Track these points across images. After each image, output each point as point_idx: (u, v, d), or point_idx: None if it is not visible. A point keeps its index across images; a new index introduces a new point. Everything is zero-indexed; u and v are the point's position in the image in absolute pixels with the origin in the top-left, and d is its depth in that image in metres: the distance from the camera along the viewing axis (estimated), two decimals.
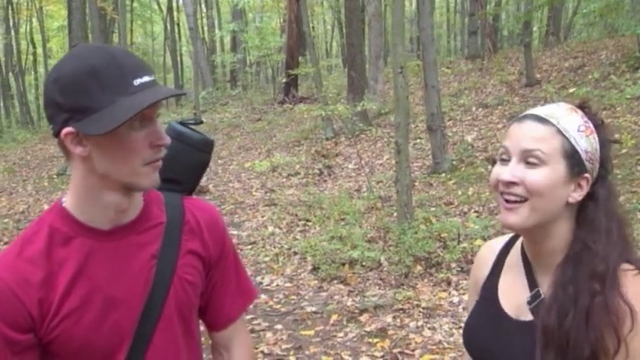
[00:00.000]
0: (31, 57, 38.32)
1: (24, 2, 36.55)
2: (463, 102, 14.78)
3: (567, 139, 1.48)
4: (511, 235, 1.76)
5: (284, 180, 12.79)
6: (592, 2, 19.28)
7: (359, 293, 6.34)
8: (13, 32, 35.21)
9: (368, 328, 5.57)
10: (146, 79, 1.44)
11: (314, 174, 12.64)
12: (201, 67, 28.43)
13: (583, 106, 1.56)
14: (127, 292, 1.55)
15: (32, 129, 29.45)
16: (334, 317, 5.90)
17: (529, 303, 1.57)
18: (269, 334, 5.71)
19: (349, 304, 6.11)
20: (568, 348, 1.44)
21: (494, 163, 1.59)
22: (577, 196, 1.50)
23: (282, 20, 30.34)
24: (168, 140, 1.51)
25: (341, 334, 5.56)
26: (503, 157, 1.53)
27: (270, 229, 9.17)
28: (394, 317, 5.73)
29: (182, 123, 1.82)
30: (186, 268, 1.64)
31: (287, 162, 13.68)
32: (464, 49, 27.63)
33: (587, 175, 1.50)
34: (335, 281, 6.77)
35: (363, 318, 5.77)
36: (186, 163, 1.78)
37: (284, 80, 23.14)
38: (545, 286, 1.55)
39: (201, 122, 1.93)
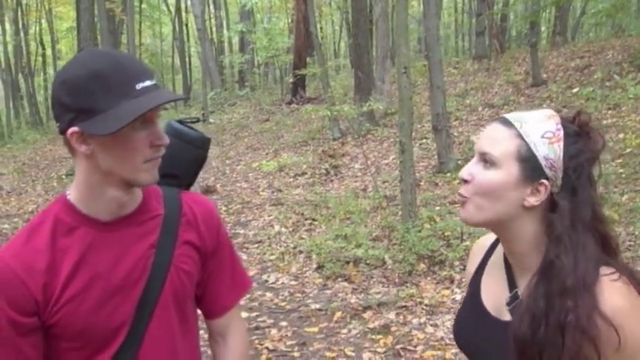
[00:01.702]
0: (40, 58, 38.51)
1: (33, 4, 36.76)
2: (469, 102, 14.82)
3: (526, 144, 1.51)
4: None
5: (291, 180, 12.88)
6: (600, 2, 19.34)
7: (363, 291, 6.42)
8: (22, 34, 35.41)
9: (371, 325, 5.64)
10: (148, 83, 1.55)
11: (320, 174, 12.71)
12: (210, 67, 28.51)
13: (575, 117, 1.57)
14: (126, 280, 1.65)
15: (41, 130, 29.57)
16: (338, 314, 5.97)
17: (508, 304, 1.61)
18: (274, 331, 5.79)
19: (353, 301, 6.19)
20: (544, 358, 1.45)
21: None
22: (533, 200, 1.52)
23: (290, 21, 30.46)
24: (167, 140, 1.61)
25: (344, 331, 5.64)
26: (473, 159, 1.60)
27: (277, 228, 9.25)
28: (397, 314, 5.81)
29: (180, 121, 1.92)
30: (182, 257, 1.74)
31: (294, 162, 13.75)
32: (471, 49, 27.62)
33: (545, 181, 1.51)
34: (339, 279, 6.85)
35: (367, 315, 5.85)
36: (184, 160, 1.88)
37: (291, 81, 23.22)
38: (522, 287, 1.58)
39: (199, 120, 2.02)
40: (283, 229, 9.14)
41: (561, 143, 1.51)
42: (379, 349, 5.20)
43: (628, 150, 9.16)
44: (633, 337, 1.41)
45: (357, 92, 16.35)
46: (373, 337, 5.42)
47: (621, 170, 8.57)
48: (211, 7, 37.78)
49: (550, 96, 13.45)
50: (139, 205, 1.71)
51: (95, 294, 1.61)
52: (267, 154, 16.20)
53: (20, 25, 35.10)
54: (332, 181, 12.11)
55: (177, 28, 36.26)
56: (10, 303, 1.54)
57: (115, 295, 1.63)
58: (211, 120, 23.86)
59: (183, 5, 35.68)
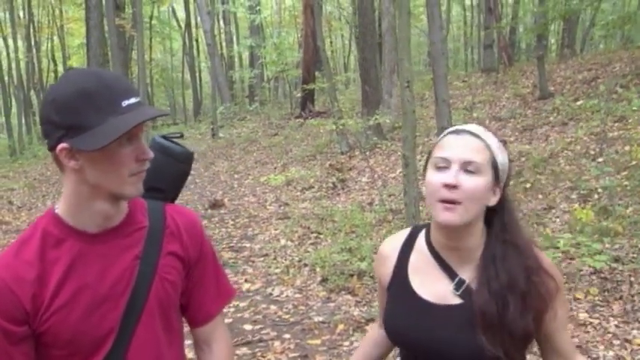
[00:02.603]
0: (52, 74, 38.86)
1: (45, 21, 37.10)
2: (476, 115, 14.85)
3: (492, 153, 1.78)
4: (407, 232, 2.02)
5: (298, 194, 12.94)
6: (608, 14, 19.35)
7: (366, 304, 6.45)
8: (34, 50, 35.77)
9: None
10: (133, 100, 1.63)
11: (327, 187, 12.76)
12: (219, 82, 28.68)
13: (486, 127, 1.90)
14: (112, 290, 1.71)
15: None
16: (341, 327, 6.00)
17: (456, 289, 1.83)
18: (277, 343, 5.82)
19: (356, 314, 6.22)
20: (509, 326, 1.73)
21: None
22: (494, 200, 1.81)
23: (299, 35, 30.59)
24: (151, 155, 1.69)
25: (347, 343, 5.67)
26: (441, 165, 1.77)
27: (282, 241, 9.30)
28: None
29: (164, 137, 1.98)
30: (166, 268, 1.80)
31: (302, 176, 13.82)
32: (480, 62, 27.64)
33: (501, 184, 1.82)
34: (343, 292, 6.88)
35: (369, 327, 5.87)
36: (168, 174, 1.96)
37: (300, 95, 23.32)
38: (464, 275, 1.83)
39: (182, 136, 2.08)
40: (289, 243, 9.19)
41: (506, 151, 1.83)
42: None
43: (633, 162, 9.16)
44: (560, 282, 1.83)
45: (365, 106, 16.42)
46: None
47: (626, 183, 8.56)
48: (221, 22, 38.00)
49: (556, 108, 13.46)
50: (124, 218, 1.77)
51: (83, 303, 1.67)
52: (275, 168, 16.29)
53: (32, 42, 35.49)
54: (339, 194, 12.15)
55: (187, 44, 36.58)
56: (1, 312, 1.61)
57: (102, 304, 1.70)
58: (221, 134, 24.00)
59: (193, 21, 35.94)
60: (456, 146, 1.77)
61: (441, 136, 1.86)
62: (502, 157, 1.80)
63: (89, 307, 1.68)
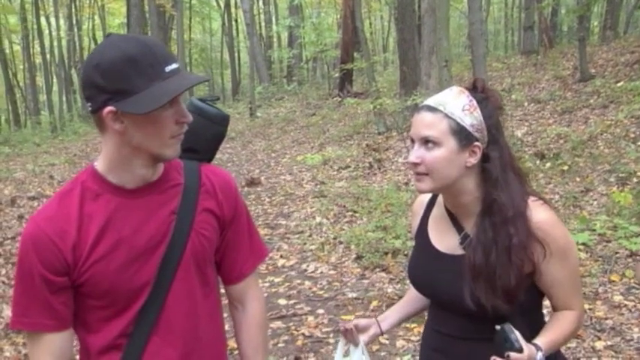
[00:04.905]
0: None
1: (87, 0, 37.47)
2: (515, 97, 14.70)
3: (454, 120, 1.90)
4: None
5: (334, 173, 12.97)
6: None
7: (400, 281, 6.48)
8: (76, 29, 36.20)
9: None
10: (174, 66, 1.70)
11: (364, 167, 12.77)
12: (258, 62, 28.76)
13: (475, 85, 1.99)
14: (148, 243, 1.78)
15: (92, 122, 30.08)
16: (374, 303, 6.05)
17: (461, 242, 2.01)
18: (311, 318, 5.90)
19: (389, 291, 6.26)
20: (495, 278, 1.88)
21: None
22: (473, 160, 1.93)
23: (338, 16, 30.50)
24: (190, 118, 1.76)
25: None
26: (411, 144, 1.98)
27: (318, 219, 9.35)
28: None
29: (201, 99, 2.04)
30: (202, 224, 1.86)
31: (338, 155, 13.85)
32: (520, 44, 27.31)
33: (477, 143, 1.92)
34: (377, 269, 6.91)
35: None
36: (204, 135, 2.01)
37: (337, 75, 23.29)
38: (469, 228, 2.01)
39: (219, 99, 2.14)
40: (324, 221, 9.24)
41: (478, 110, 1.93)
42: (413, 338, 5.26)
43: None
44: (556, 243, 1.90)
45: (402, 87, 16.36)
46: (407, 325, 5.46)
47: None
48: (260, 2, 38.06)
49: (596, 90, 13.28)
50: (160, 175, 1.84)
51: (120, 256, 1.75)
52: (312, 147, 16.34)
53: (74, 21, 35.90)
54: (375, 174, 12.16)
55: (226, 24, 36.62)
56: (44, 263, 1.70)
57: (138, 257, 1.77)
58: (258, 114, 24.09)
59: (232, 1, 35.99)
60: (415, 124, 1.96)
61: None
62: (470, 119, 1.91)
63: (126, 260, 1.75)
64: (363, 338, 2.29)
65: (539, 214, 1.92)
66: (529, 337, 1.86)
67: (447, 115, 1.90)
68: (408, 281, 6.34)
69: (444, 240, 2.07)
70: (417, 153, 1.92)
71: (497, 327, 1.83)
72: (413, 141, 1.95)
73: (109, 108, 1.64)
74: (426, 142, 1.90)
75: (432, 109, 1.93)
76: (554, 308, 2.02)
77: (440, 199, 2.13)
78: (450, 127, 1.89)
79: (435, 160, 1.89)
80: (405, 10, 16.84)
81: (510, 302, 1.89)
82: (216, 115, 2.04)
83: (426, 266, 2.11)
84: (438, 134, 1.89)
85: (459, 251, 2.00)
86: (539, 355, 1.82)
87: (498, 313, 1.87)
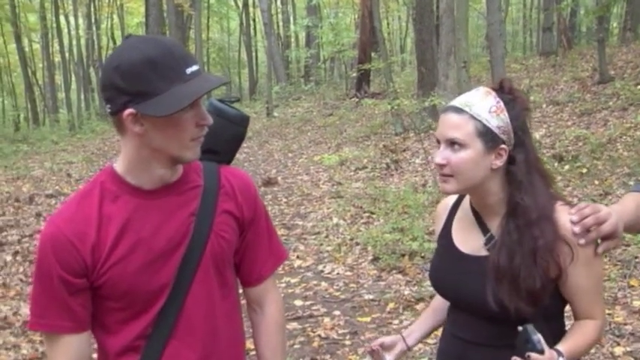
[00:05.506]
0: (110, 52, 39.30)
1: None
2: (533, 99, 14.59)
3: (480, 122, 1.88)
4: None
5: (351, 173, 12.95)
6: None
7: (417, 283, 6.46)
8: (94, 28, 36.41)
9: None
10: (195, 67, 1.69)
11: (381, 168, 12.75)
12: (275, 62, 28.78)
13: (501, 86, 1.96)
14: (167, 245, 1.77)
15: (110, 121, 30.23)
16: (391, 305, 6.03)
17: (486, 244, 1.99)
18: (327, 319, 5.89)
19: (406, 293, 6.24)
20: (519, 281, 1.86)
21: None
22: (499, 162, 1.91)
23: (356, 17, 30.47)
24: (211, 120, 1.75)
25: (396, 321, 5.70)
26: (436, 143, 1.96)
27: (335, 220, 9.34)
28: None
29: (221, 100, 2.03)
30: (222, 226, 1.85)
31: (355, 156, 13.82)
32: (539, 45, 27.16)
33: (503, 145, 1.90)
34: (394, 271, 6.90)
35: (419, 307, 5.88)
36: (224, 136, 2.00)
37: (354, 75, 23.26)
38: (494, 229, 1.99)
39: (238, 100, 2.13)
40: (341, 222, 9.22)
41: (505, 112, 1.90)
42: (429, 340, 5.22)
43: None
44: (583, 249, 1.85)
45: (420, 88, 16.31)
46: None
47: None
48: (278, 2, 38.05)
49: (615, 92, 13.18)
50: (179, 177, 1.83)
51: (139, 258, 1.74)
52: (329, 147, 16.33)
53: (93, 20, 36.11)
54: (392, 175, 12.13)
55: (244, 23, 36.67)
56: (62, 264, 1.69)
57: (157, 259, 1.76)
58: (275, 114, 24.11)
59: (250, 0, 36.04)
60: (441, 125, 1.94)
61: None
62: (496, 121, 1.89)
63: (145, 262, 1.74)
64: (389, 358, 2.25)
65: (566, 218, 1.88)
66: (551, 343, 1.84)
67: (473, 117, 1.88)
68: (425, 283, 6.35)
69: (469, 241, 2.05)
70: (443, 154, 1.91)
71: (520, 327, 1.81)
72: (439, 141, 1.93)
73: (129, 110, 1.63)
74: (452, 143, 1.89)
75: (458, 110, 1.91)
76: (576, 316, 1.99)
77: (465, 200, 2.13)
78: (476, 129, 1.87)
79: (460, 162, 1.88)
80: (423, 10, 16.78)
81: (534, 305, 1.87)
82: (235, 115, 2.03)
83: (449, 268, 2.09)
84: (464, 136, 1.87)
85: (484, 252, 1.99)
86: None
87: (521, 315, 1.85)
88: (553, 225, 1.87)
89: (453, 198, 2.21)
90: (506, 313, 1.87)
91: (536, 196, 1.91)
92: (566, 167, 9.68)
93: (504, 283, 1.87)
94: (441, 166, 1.91)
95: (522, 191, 1.91)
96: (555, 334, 1.94)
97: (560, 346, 1.86)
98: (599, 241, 1.87)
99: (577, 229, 1.85)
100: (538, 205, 1.90)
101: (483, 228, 2.02)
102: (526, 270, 1.86)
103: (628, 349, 4.73)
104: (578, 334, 1.94)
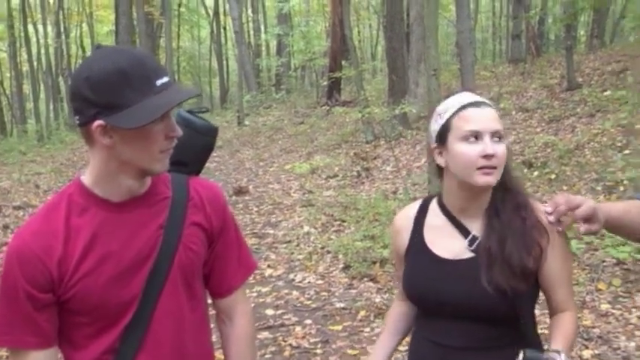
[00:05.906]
0: (80, 61, 39.00)
1: (75, 7, 37.39)
2: (503, 106, 14.72)
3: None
4: (419, 203, 2.24)
5: (322, 182, 12.96)
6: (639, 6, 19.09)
7: (387, 291, 6.47)
8: (63, 37, 36.04)
9: None
10: (165, 79, 1.67)
11: (352, 176, 12.77)
12: (246, 70, 28.75)
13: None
14: (136, 258, 1.75)
15: (79, 131, 29.96)
16: (362, 313, 6.03)
17: (470, 245, 2.04)
18: (298, 328, 5.87)
19: (377, 300, 6.24)
20: (512, 261, 1.93)
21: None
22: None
23: (327, 25, 30.54)
24: (180, 132, 1.73)
25: (367, 329, 5.70)
26: (473, 138, 1.96)
27: (306, 228, 9.33)
28: None
29: (189, 111, 2.02)
30: (190, 237, 1.84)
31: (326, 164, 13.85)
32: (508, 52, 27.41)
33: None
34: (365, 279, 6.90)
35: (392, 306, 5.87)
36: (192, 147, 1.99)
37: (325, 84, 23.31)
38: (475, 231, 2.05)
39: (207, 111, 2.12)
40: (312, 230, 9.22)
41: None
42: (401, 347, 5.22)
43: None
44: (555, 236, 1.98)
45: (391, 95, 16.40)
46: None
47: None
48: (249, 10, 38.04)
49: (583, 99, 13.33)
50: (147, 189, 1.81)
51: (107, 271, 1.72)
52: (300, 156, 16.34)
53: (62, 29, 35.74)
54: (363, 183, 12.16)
55: (215, 31, 36.58)
56: (28, 279, 1.66)
57: (125, 271, 1.74)
58: (246, 122, 24.06)
59: (221, 8, 35.98)
60: (484, 119, 1.96)
61: (458, 108, 2.01)
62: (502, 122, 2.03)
63: (113, 274, 1.72)
64: None
65: (542, 207, 2.02)
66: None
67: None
68: (395, 291, 6.34)
69: (448, 247, 2.07)
70: (493, 145, 1.94)
71: (521, 354, 1.81)
72: (476, 137, 1.95)
73: (98, 122, 1.61)
74: (496, 135, 1.95)
75: (490, 105, 2.02)
76: (553, 310, 2.06)
77: (433, 208, 2.17)
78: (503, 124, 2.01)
79: (504, 152, 1.96)
80: (393, 18, 16.88)
81: (528, 282, 1.96)
82: (203, 126, 2.02)
83: (430, 277, 2.08)
84: (502, 129, 1.98)
85: (467, 254, 2.03)
86: (563, 356, 1.82)
87: (517, 292, 1.92)
88: (533, 211, 2.01)
89: (412, 209, 2.23)
90: (500, 297, 1.93)
91: (521, 191, 2.07)
92: (536, 173, 9.76)
93: (497, 266, 1.94)
94: (491, 157, 1.93)
95: (509, 183, 2.04)
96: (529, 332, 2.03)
97: (555, 346, 1.89)
98: (581, 224, 1.94)
99: (551, 218, 1.97)
100: (522, 190, 2.07)
101: (463, 231, 2.06)
102: (517, 251, 1.94)
103: (596, 351, 4.78)
104: (564, 328, 1.98)
